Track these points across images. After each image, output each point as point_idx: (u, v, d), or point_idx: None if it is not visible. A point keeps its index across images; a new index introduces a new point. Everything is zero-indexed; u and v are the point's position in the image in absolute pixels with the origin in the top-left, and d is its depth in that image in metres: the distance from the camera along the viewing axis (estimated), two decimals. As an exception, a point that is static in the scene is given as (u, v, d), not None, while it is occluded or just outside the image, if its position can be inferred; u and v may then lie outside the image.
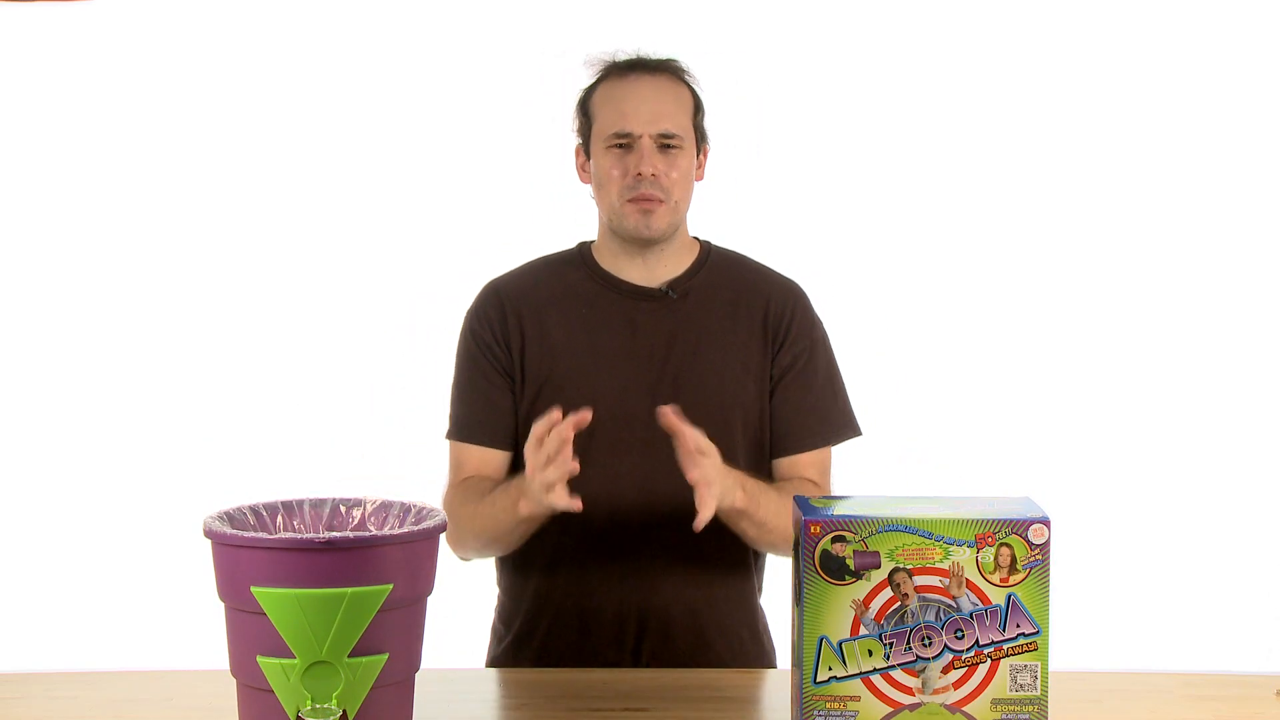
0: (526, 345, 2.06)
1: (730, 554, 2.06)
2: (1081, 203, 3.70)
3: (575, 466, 1.76)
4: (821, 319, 2.14)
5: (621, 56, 2.07)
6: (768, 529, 1.95)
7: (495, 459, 2.08)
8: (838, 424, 2.10)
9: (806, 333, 2.10)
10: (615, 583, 2.02)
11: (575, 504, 1.77)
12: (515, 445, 2.09)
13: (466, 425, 2.09)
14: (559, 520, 2.01)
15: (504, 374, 2.07)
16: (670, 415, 1.79)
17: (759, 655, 2.12)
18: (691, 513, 2.00)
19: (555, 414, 1.75)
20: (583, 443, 2.00)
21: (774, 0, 3.63)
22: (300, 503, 1.66)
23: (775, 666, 2.10)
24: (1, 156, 3.67)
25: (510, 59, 3.60)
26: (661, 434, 2.00)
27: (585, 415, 1.76)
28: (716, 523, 2.01)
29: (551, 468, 1.75)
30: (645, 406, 2.00)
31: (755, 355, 2.06)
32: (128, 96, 3.68)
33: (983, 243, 3.70)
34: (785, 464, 2.09)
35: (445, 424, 2.13)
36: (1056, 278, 3.71)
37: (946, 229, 3.70)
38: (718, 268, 2.12)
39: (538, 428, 1.76)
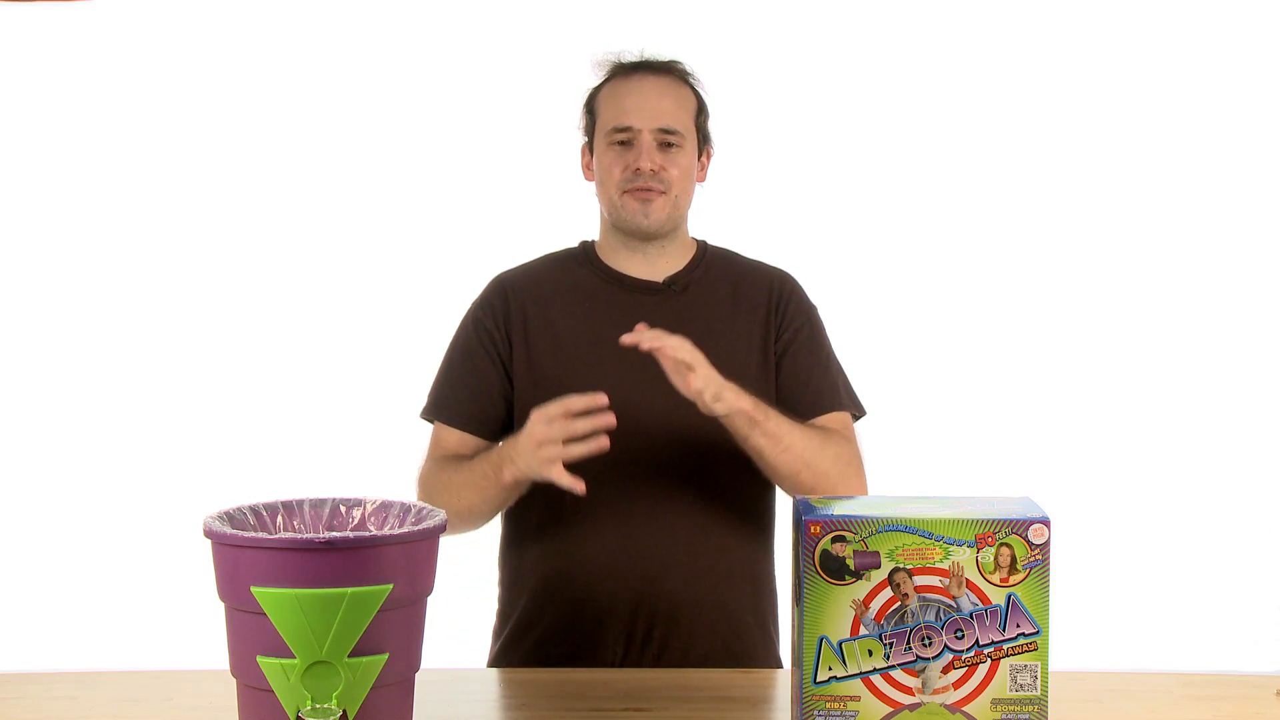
0: (530, 338, 2.08)
1: (734, 536, 2.07)
2: (1080, 204, 3.70)
3: (579, 451, 1.83)
4: (816, 305, 2.17)
5: (628, 57, 2.11)
6: (784, 447, 1.94)
7: (475, 446, 2.10)
8: (841, 394, 2.12)
9: (803, 312, 2.14)
10: (621, 571, 2.02)
11: (578, 485, 1.84)
12: (498, 436, 2.11)
13: (451, 410, 2.11)
14: (566, 510, 2.02)
15: (499, 366, 2.09)
16: (643, 336, 1.85)
17: (764, 644, 2.11)
18: (695, 500, 2.01)
19: (588, 399, 1.83)
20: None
21: (773, 3, 3.63)
22: (300, 503, 1.66)
23: (779, 659, 2.10)
24: (1, 156, 3.67)
25: (517, 61, 3.60)
26: (666, 425, 2.01)
27: (609, 420, 1.83)
28: (720, 503, 2.02)
29: (554, 448, 1.82)
30: (649, 398, 2.01)
31: (758, 340, 2.10)
32: (128, 96, 3.68)
33: (983, 245, 3.70)
34: None
35: (425, 401, 2.14)
36: (1056, 278, 3.71)
37: (947, 231, 3.71)
38: (714, 263, 2.16)
39: (568, 404, 1.83)
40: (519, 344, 2.09)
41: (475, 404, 2.09)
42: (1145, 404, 3.68)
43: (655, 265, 2.11)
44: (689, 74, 2.12)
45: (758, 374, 2.07)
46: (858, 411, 2.14)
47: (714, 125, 2.15)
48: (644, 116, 2.04)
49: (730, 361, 2.05)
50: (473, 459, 2.02)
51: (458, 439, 2.09)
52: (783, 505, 2.14)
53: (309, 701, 1.44)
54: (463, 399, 2.10)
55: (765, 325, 2.10)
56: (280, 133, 3.69)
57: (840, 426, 2.09)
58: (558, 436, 1.83)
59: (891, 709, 1.56)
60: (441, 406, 2.12)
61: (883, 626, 1.55)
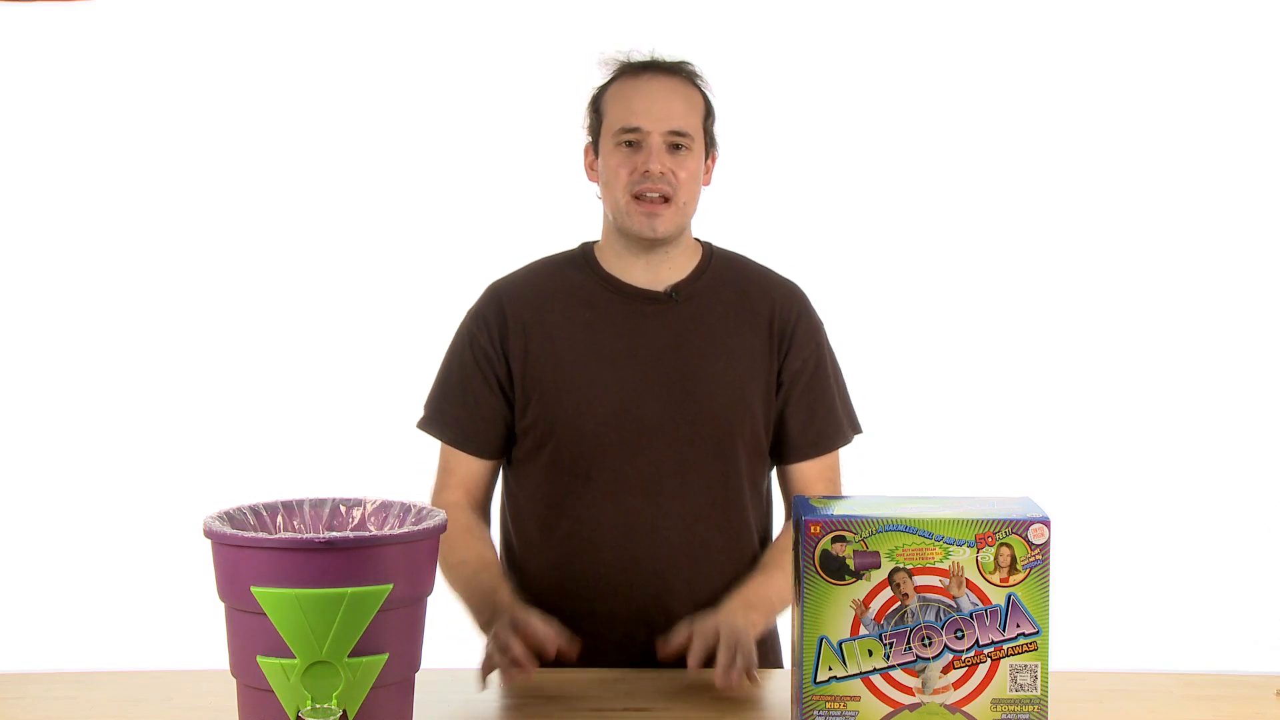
0: (529, 349, 2.06)
1: (735, 551, 2.06)
2: (1080, 204, 3.70)
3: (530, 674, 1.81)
4: (822, 319, 2.15)
5: (636, 57, 2.08)
6: (785, 608, 2.02)
7: (483, 468, 2.10)
8: (844, 428, 2.13)
9: (812, 336, 2.11)
10: (622, 584, 2.02)
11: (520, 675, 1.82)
12: (503, 453, 2.11)
13: (456, 431, 2.09)
14: (566, 523, 2.02)
15: (496, 385, 2.07)
16: (669, 648, 1.86)
17: (760, 656, 2.11)
18: (696, 515, 2.01)
19: (544, 633, 1.82)
20: (588, 445, 2.01)
21: (776, 4, 3.63)
22: (300, 503, 1.66)
23: (781, 664, 2.10)
24: (1, 156, 3.67)
25: (518, 59, 3.60)
26: (666, 435, 2.01)
27: (563, 648, 1.83)
28: (720, 518, 2.03)
29: (506, 670, 1.80)
30: (650, 409, 2.00)
31: (760, 359, 2.06)
32: (128, 96, 3.68)
33: (982, 244, 3.70)
34: (794, 472, 2.10)
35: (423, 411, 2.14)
36: (1055, 278, 3.71)
37: (947, 230, 3.70)
38: (720, 270, 2.12)
39: (517, 650, 1.80)
40: (517, 357, 2.06)
41: (472, 424, 2.08)
42: (1145, 404, 3.68)
43: (658, 272, 2.07)
44: (697, 75, 2.07)
45: (760, 389, 2.06)
46: (856, 431, 2.14)
47: (721, 127, 2.13)
48: (653, 118, 2.00)
49: (730, 377, 2.05)
50: (475, 577, 1.99)
51: (467, 466, 2.09)
52: (783, 515, 2.14)
53: (309, 701, 1.44)
54: (460, 418, 2.09)
55: (769, 343, 2.07)
56: (280, 132, 3.69)
57: (827, 478, 2.10)
58: (507, 660, 1.81)
59: (891, 709, 1.56)
60: (438, 423, 2.11)
61: (883, 626, 1.55)
